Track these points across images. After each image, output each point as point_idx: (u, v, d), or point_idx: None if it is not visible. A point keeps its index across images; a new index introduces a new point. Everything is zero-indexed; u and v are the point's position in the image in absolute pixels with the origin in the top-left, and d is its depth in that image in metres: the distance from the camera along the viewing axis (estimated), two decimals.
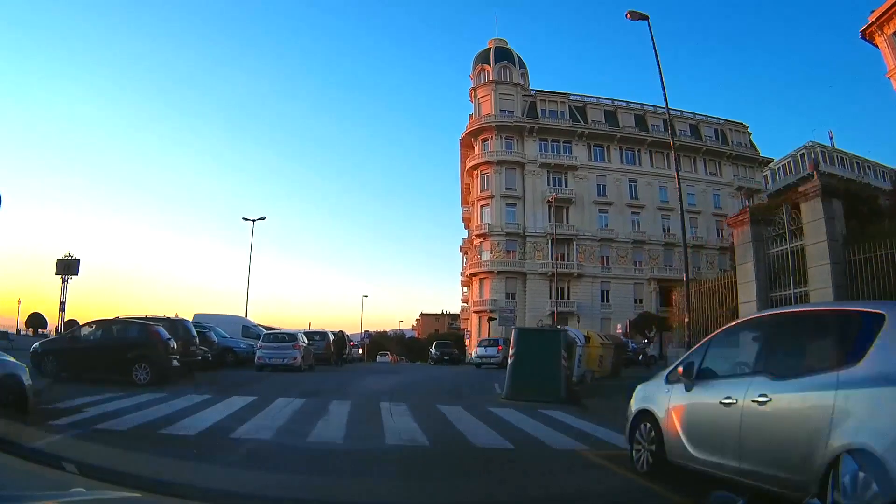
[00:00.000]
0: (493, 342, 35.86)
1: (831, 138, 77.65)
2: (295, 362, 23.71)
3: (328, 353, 30.85)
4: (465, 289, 74.62)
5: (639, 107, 68.94)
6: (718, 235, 65.88)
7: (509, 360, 15.95)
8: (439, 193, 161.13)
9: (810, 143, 77.15)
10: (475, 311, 62.17)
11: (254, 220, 47.09)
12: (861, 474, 3.21)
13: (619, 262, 62.64)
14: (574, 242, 60.76)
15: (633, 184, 64.89)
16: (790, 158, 78.40)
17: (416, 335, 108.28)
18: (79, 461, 3.91)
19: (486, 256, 61.98)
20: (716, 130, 70.20)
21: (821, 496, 3.19)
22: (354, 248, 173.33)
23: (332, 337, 33.22)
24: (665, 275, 61.84)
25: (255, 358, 23.84)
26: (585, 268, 61.03)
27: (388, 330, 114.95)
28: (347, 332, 39.11)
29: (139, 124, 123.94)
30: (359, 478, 6.57)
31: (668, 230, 64.37)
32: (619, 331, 52.14)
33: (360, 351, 59.59)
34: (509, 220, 62.06)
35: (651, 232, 63.56)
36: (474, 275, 62.85)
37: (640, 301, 62.04)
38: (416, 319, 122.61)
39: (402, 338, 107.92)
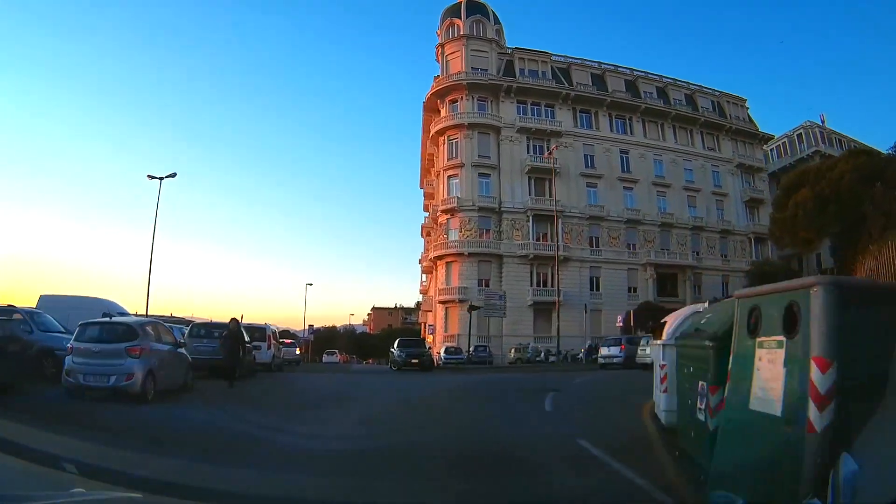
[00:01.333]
0: (615, 341, 34.09)
1: (823, 121, 70.67)
2: (130, 383, 11.89)
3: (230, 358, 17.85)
4: (426, 276, 65.01)
5: (629, 71, 60.72)
6: (720, 217, 58.03)
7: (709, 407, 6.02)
8: (399, 174, 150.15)
9: (808, 123, 70.56)
10: (441, 301, 52.60)
11: (161, 179, 36.31)
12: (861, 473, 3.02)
13: (610, 243, 54.01)
14: (559, 220, 51.73)
15: (624, 155, 56.55)
16: (785, 139, 71.63)
17: (368, 330, 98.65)
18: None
19: (454, 236, 52.52)
20: (713, 102, 62.69)
21: (821, 496, 2.93)
22: (299, 235, 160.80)
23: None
24: (663, 259, 53.65)
25: (64, 372, 12.11)
26: (572, 250, 52.20)
27: (337, 325, 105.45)
28: (292, 328, 28.42)
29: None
30: None
31: (665, 209, 56.09)
32: (619, 324, 43.45)
33: (298, 350, 49.41)
34: (483, 192, 52.78)
35: (646, 210, 55.15)
36: (439, 258, 53.26)
37: (635, 290, 53.61)
38: (368, 314, 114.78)
39: (352, 333, 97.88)
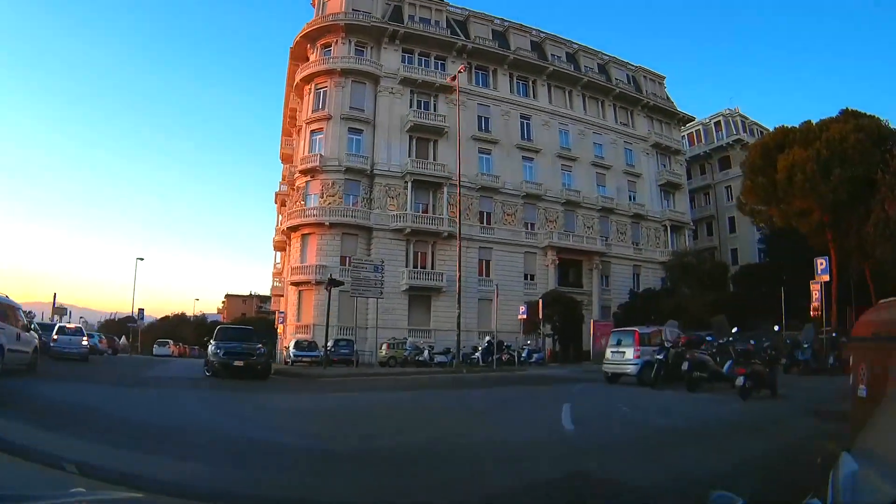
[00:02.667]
0: (627, 333, 20.58)
1: (738, 113, 65.29)
2: None
3: None
4: (279, 255, 54.62)
5: (535, 31, 52.78)
6: (631, 198, 50.67)
7: None
8: (261, 152, 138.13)
9: (727, 111, 64.99)
10: (294, 282, 42.53)
11: None
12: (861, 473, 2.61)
13: (504, 220, 45.47)
14: (444, 189, 42.82)
15: (525, 121, 48.39)
16: (700, 126, 66.18)
17: (222, 319, 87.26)
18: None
19: (314, 202, 42.56)
20: (628, 76, 55.73)
21: (821, 496, 2.55)
22: (135, 210, 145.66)
23: None
24: (567, 242, 45.47)
25: None
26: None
27: (186, 313, 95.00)
28: (120, 312, 18.05)
29: None
30: None
31: (570, 185, 48.22)
32: (521, 316, 34.49)
33: (101, 341, 38.24)
34: (353, 150, 43.13)
35: (549, 185, 47.02)
36: (294, 229, 43.20)
37: (533, 277, 45.11)
38: (222, 301, 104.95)
39: (202, 322, 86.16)
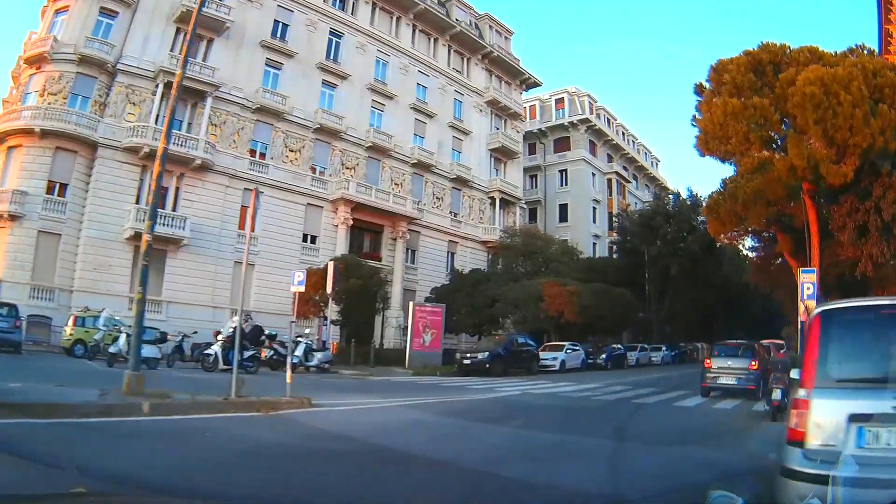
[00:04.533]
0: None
1: (586, 93, 59.52)
2: None
3: None
4: None
5: None
6: (456, 160, 42.49)
7: None
8: None
9: (574, 89, 58.89)
10: None
11: None
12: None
13: (286, 157, 35.54)
14: (207, 102, 31.80)
15: (336, 38, 38.72)
16: (537, 101, 59.71)
17: None
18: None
19: (32, 100, 29.87)
20: (472, 21, 47.24)
21: (821, 496, 2.99)
22: None
23: None
24: (367, 198, 36.28)
25: None
26: (220, 155, 32.39)
27: None
28: None
29: None
30: None
31: (379, 125, 39.05)
32: (296, 287, 23.04)
33: None
34: (99, 35, 30.73)
35: (352, 121, 37.63)
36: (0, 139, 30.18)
37: (315, 240, 35.33)
38: None
39: None
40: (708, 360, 18.39)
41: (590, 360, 33.67)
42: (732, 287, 47.62)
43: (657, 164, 72.67)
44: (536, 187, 57.63)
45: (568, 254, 43.10)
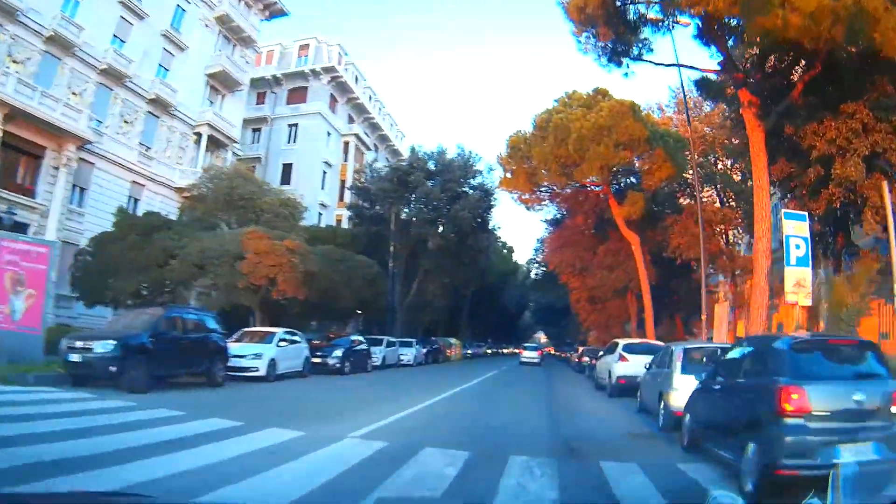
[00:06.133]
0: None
1: (336, 44, 53.09)
2: None
3: None
4: None
5: None
6: (161, 76, 33.74)
7: None
8: None
9: (323, 37, 52.36)
10: None
11: None
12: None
13: None
14: None
15: None
16: (278, 46, 52.60)
17: None
18: None
19: None
20: None
21: (820, 496, 3.00)
22: None
23: None
24: (30, 106, 26.07)
25: None
26: None
27: None
28: None
29: None
30: None
31: (71, 16, 28.75)
32: None
33: None
34: None
35: (32, 1, 26.60)
36: None
37: None
38: None
39: None
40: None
41: (316, 359, 22.81)
42: (492, 277, 43.72)
43: (403, 138, 68.36)
44: (259, 142, 49.60)
45: (290, 208, 33.16)
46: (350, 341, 26.03)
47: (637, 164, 31.21)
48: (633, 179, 33.35)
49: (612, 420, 13.66)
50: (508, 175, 32.79)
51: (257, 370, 18.25)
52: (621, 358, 18.41)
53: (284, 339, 20.61)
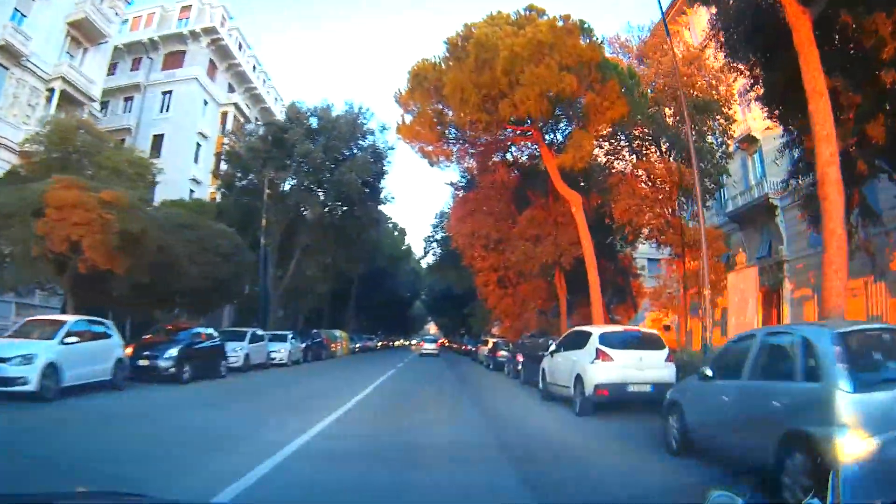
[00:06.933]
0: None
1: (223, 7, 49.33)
2: None
3: None
4: None
5: None
6: (16, 21, 29.96)
7: None
8: None
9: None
10: None
11: None
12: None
13: None
14: None
15: None
16: (158, 8, 48.03)
17: None
18: None
19: None
20: None
21: (821, 496, 2.89)
22: None
23: None
24: None
25: None
26: None
27: None
28: None
29: None
30: None
31: None
32: None
33: None
34: None
35: None
36: None
37: None
38: None
39: None
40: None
41: (143, 361, 17.20)
42: (382, 261, 40.38)
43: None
44: (130, 111, 44.72)
45: (140, 168, 26.22)
46: (190, 335, 19.58)
47: (584, 101, 23.02)
48: (567, 127, 26.92)
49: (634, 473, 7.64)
50: (409, 117, 24.53)
51: (25, 383, 11.83)
52: (600, 355, 12.69)
53: (78, 333, 13.90)
